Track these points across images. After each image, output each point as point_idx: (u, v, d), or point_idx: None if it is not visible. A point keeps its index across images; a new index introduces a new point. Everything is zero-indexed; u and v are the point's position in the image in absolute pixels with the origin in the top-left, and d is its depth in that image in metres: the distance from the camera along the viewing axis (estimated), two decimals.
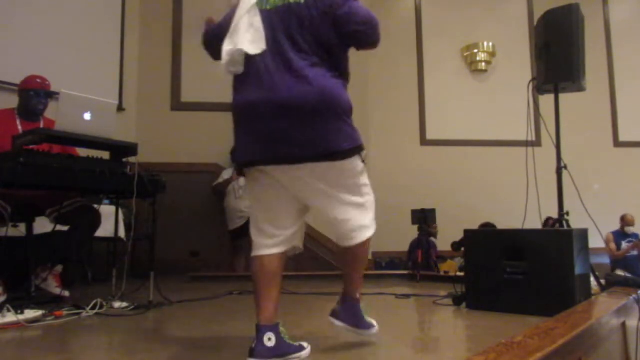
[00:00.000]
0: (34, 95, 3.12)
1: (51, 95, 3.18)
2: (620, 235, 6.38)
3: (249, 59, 1.70)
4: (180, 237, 5.12)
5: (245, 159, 1.75)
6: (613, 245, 6.28)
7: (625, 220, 6.36)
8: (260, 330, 1.63)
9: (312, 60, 1.68)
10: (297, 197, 1.76)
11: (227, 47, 1.71)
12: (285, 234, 1.76)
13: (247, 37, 1.70)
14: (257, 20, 1.72)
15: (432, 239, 5.69)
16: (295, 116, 1.62)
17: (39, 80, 3.16)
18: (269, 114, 1.64)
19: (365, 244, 1.81)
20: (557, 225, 3.04)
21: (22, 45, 4.44)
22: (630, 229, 6.34)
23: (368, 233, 1.80)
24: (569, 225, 2.99)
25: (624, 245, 6.27)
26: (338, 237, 1.82)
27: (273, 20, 1.72)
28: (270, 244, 1.74)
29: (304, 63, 1.67)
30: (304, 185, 1.72)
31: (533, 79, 3.36)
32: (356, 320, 1.89)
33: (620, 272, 5.44)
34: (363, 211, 1.79)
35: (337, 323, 1.89)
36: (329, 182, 1.72)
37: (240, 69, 1.72)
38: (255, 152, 1.70)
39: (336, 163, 1.68)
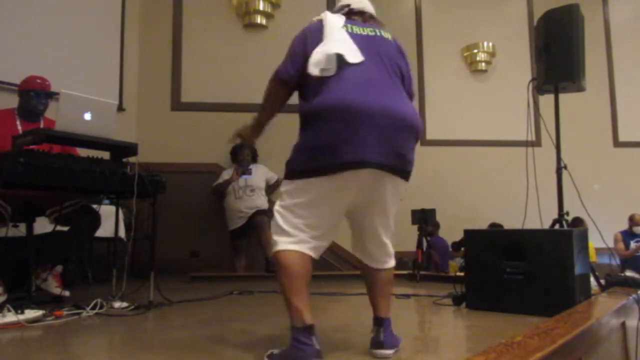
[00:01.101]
0: (34, 95, 3.12)
1: (51, 95, 3.18)
2: (628, 234, 6.36)
3: (343, 66, 1.72)
4: (180, 237, 5.12)
5: (354, 158, 1.65)
6: (621, 245, 6.25)
7: (633, 220, 6.34)
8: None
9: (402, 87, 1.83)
10: (355, 209, 1.80)
11: (322, 49, 1.74)
12: (319, 244, 1.75)
13: (345, 47, 1.74)
14: (348, 37, 1.79)
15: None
16: (406, 131, 1.73)
17: (39, 81, 3.16)
18: (389, 125, 1.68)
19: (391, 272, 1.91)
20: (557, 225, 3.04)
21: (22, 45, 4.44)
22: (638, 229, 6.31)
23: (393, 262, 1.91)
24: (568, 225, 2.99)
25: (633, 244, 6.25)
26: (372, 258, 1.87)
27: (365, 43, 1.81)
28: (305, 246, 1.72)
29: (401, 87, 1.82)
30: (381, 196, 1.76)
31: (533, 79, 3.37)
32: (396, 341, 1.87)
33: (629, 273, 5.41)
34: (390, 241, 1.89)
35: (387, 352, 1.78)
36: (394, 200, 1.80)
37: (332, 71, 1.72)
38: (367, 153, 1.65)
39: (405, 183, 1.79)
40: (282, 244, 1.70)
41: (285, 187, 1.77)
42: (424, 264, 5.25)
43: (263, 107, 1.88)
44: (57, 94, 3.08)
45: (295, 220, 1.71)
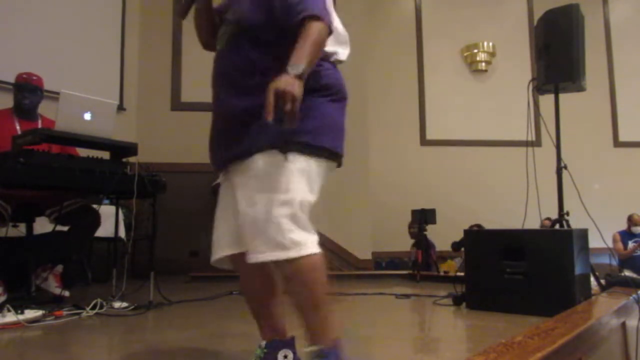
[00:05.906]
0: (18, 90, 3.10)
1: (35, 91, 3.12)
2: (627, 235, 6.35)
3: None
4: (180, 237, 5.12)
5: None
6: (619, 245, 6.24)
7: (632, 220, 6.33)
8: None
9: None
10: None
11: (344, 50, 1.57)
12: None
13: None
14: None
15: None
16: None
17: (25, 76, 3.12)
18: None
19: None
20: (557, 225, 3.03)
21: (22, 45, 4.44)
22: (637, 229, 6.30)
23: None
24: (569, 225, 2.99)
25: (631, 245, 6.24)
26: None
27: None
28: None
29: None
30: None
31: (533, 79, 3.36)
32: None
33: (628, 273, 5.41)
34: None
35: None
36: None
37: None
38: None
39: None
40: (312, 244, 1.34)
41: (310, 166, 1.40)
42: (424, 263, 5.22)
43: (312, 60, 1.34)
44: (42, 90, 3.08)
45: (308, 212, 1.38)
